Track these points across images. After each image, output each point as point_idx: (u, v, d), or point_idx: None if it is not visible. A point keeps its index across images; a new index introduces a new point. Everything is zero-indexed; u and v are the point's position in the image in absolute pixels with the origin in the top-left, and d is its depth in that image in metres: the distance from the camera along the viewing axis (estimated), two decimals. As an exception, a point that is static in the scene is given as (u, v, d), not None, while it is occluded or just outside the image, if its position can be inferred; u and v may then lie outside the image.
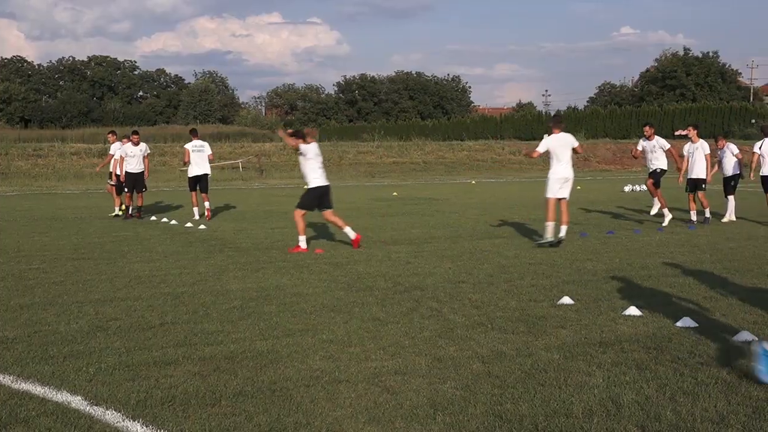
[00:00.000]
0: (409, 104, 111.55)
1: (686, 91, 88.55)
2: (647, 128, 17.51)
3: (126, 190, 19.74)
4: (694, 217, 17.39)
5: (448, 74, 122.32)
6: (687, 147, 17.65)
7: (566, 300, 8.99)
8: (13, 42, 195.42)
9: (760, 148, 17.82)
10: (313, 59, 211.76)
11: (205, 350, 7.01)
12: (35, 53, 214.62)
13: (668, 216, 17.01)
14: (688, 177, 17.57)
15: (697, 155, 17.41)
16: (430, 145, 58.36)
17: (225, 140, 58.22)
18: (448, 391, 5.85)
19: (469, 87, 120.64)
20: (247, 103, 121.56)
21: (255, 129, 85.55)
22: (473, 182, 39.79)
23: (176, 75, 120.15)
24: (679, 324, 7.80)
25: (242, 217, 20.11)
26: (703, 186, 17.43)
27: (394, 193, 28.99)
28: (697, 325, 7.75)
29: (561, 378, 6.13)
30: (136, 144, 19.92)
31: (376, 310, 8.63)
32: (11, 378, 6.17)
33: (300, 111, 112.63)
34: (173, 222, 18.53)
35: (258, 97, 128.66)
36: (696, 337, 7.32)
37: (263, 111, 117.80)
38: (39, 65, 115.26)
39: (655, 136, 17.31)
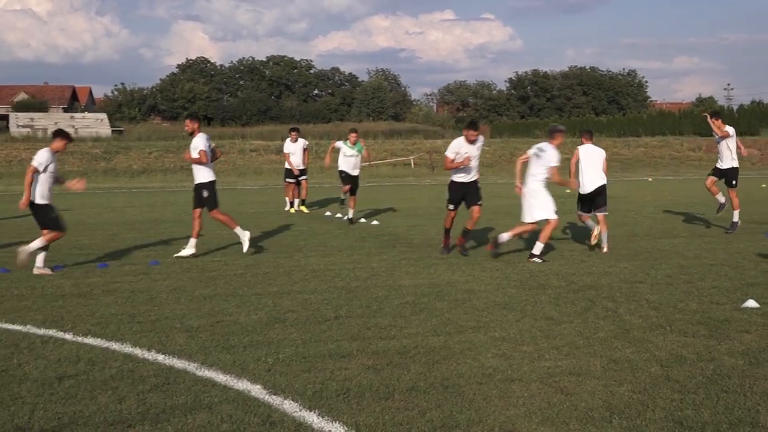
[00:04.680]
0: (583, 100, 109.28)
1: None
2: None
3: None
4: None
5: (624, 68, 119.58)
6: None
7: (751, 303, 8.57)
8: (198, 44, 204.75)
9: None
10: (486, 55, 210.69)
11: (378, 344, 7.10)
12: (218, 54, 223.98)
13: None
14: None
15: None
16: (604, 141, 56.83)
17: (397, 137, 58.84)
18: (624, 394, 5.69)
19: (646, 81, 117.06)
20: (419, 100, 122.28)
21: (427, 126, 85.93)
22: (650, 180, 38.61)
23: (350, 73, 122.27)
24: None
25: (414, 213, 20.27)
26: None
27: (567, 190, 28.43)
28: None
29: (746, 385, 5.85)
30: (295, 141, 21.24)
31: (549, 309, 8.51)
32: (196, 365, 6.45)
33: (471, 107, 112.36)
34: (347, 217, 18.87)
35: (430, 94, 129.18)
36: None
37: (435, 108, 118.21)
38: (221, 65, 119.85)
39: None
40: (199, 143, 12.42)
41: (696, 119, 69.08)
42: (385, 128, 72.44)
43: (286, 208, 21.28)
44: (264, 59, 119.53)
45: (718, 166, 15.78)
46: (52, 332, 7.59)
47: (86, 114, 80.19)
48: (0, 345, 7.12)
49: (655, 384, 5.90)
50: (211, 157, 12.74)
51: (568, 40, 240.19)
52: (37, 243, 11.02)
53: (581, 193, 13.41)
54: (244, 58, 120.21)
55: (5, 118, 70.57)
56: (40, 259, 11.03)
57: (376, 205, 22.45)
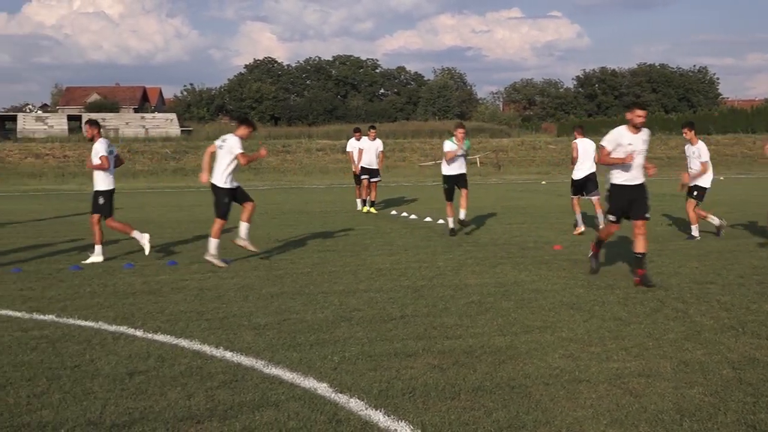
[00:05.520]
0: (652, 97, 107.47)
1: None
2: None
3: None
4: None
5: (694, 65, 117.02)
6: None
7: (828, 305, 8.35)
8: (265, 44, 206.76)
9: None
10: (553, 53, 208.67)
11: (444, 343, 7.08)
12: (285, 54, 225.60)
13: None
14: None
15: None
16: (674, 139, 55.97)
17: (462, 136, 58.62)
18: (695, 396, 5.58)
19: (717, 78, 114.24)
20: (485, 98, 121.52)
21: (493, 124, 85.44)
22: (722, 178, 37.81)
23: (416, 72, 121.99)
24: None
25: (480, 212, 20.17)
26: None
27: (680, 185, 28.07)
28: None
29: (823, 389, 5.69)
30: (373, 139, 20.66)
31: (618, 310, 8.39)
32: (263, 363, 6.51)
33: (538, 106, 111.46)
34: (412, 216, 18.89)
35: (496, 93, 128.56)
36: None
37: (501, 106, 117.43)
38: (288, 65, 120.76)
39: None
40: (99, 149, 12.20)
41: (771, 116, 67.48)
42: (450, 127, 72.21)
43: (358, 208, 20.90)
44: (330, 59, 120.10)
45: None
46: (123, 329, 7.73)
47: (156, 114, 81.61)
48: (73, 341, 7.27)
49: (727, 387, 5.78)
50: (115, 163, 12.57)
51: (637, 37, 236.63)
52: (211, 236, 11.65)
53: (574, 178, 15.66)
54: (310, 57, 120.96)
55: (78, 118, 72.13)
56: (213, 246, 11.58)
57: (441, 204, 22.39)
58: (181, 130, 69.89)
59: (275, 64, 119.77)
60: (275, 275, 10.76)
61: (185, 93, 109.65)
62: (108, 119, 71.46)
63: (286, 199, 25.61)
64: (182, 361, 6.59)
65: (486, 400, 5.54)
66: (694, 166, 14.54)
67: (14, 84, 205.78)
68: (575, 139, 15.94)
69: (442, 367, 6.35)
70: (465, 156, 15.67)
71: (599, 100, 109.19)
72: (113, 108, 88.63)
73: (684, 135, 14.80)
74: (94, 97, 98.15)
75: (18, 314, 8.39)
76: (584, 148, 15.62)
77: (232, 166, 11.64)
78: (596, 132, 66.27)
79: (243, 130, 11.96)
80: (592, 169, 15.48)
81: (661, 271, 10.69)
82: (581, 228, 15.20)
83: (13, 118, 72.57)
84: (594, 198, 15.44)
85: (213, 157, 11.77)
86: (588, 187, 15.53)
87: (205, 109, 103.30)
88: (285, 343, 7.17)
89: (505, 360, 6.54)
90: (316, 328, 7.69)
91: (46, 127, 67.59)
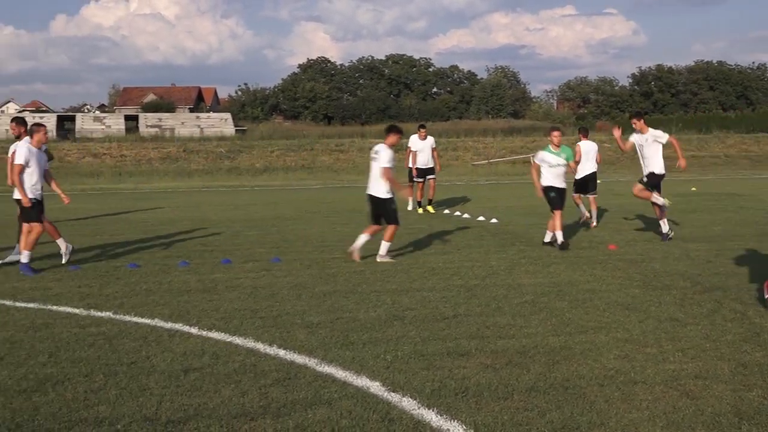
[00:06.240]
0: (710, 95, 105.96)
1: None
2: None
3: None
4: None
5: (753, 62, 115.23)
6: None
7: None
8: (319, 44, 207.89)
9: None
10: (608, 51, 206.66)
11: (497, 343, 7.05)
12: (338, 54, 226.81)
13: None
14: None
15: None
16: (732, 137, 55.10)
17: (516, 134, 58.32)
18: (754, 399, 5.48)
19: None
20: (538, 97, 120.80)
21: (546, 123, 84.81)
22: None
23: (469, 71, 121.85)
24: None
25: (533, 211, 19.99)
26: None
27: (693, 188, 27.66)
28: None
29: None
30: (424, 138, 20.09)
31: (674, 310, 8.27)
32: (316, 361, 6.54)
33: (593, 104, 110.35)
34: (465, 215, 18.82)
35: (550, 91, 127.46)
36: None
37: (555, 105, 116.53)
38: (341, 65, 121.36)
39: None
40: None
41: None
42: (504, 126, 71.92)
43: (409, 208, 20.12)
44: (383, 58, 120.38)
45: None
46: (178, 326, 7.82)
47: (211, 114, 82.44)
48: (129, 338, 7.38)
49: (787, 390, 5.67)
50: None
51: (694, 34, 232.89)
52: (364, 238, 11.98)
53: (576, 178, 16.16)
54: (363, 57, 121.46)
55: (135, 118, 73.20)
56: (383, 248, 11.95)
57: (494, 203, 22.32)
58: (236, 130, 70.48)
59: (328, 64, 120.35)
60: (328, 274, 10.80)
61: (240, 93, 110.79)
62: (164, 119, 72.47)
63: (339, 198, 25.68)
64: (236, 358, 6.65)
65: (539, 401, 5.50)
66: (647, 153, 13.87)
67: (73, 85, 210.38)
68: (579, 141, 16.52)
69: (495, 366, 6.32)
70: (564, 166, 13.41)
71: (655, 98, 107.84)
72: (169, 108, 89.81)
73: (633, 125, 14.15)
74: (150, 97, 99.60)
75: (76, 311, 8.54)
76: (587, 149, 16.29)
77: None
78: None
79: (392, 138, 12.24)
80: (593, 169, 16.35)
81: (719, 272, 10.52)
82: (587, 214, 16.05)
83: (72, 119, 73.84)
84: (591, 196, 16.25)
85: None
86: (589, 187, 16.32)
87: (259, 109, 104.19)
88: (338, 341, 7.19)
89: (559, 360, 6.49)
90: (369, 327, 7.70)
91: (103, 127, 68.71)
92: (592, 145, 16.46)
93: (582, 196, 16.31)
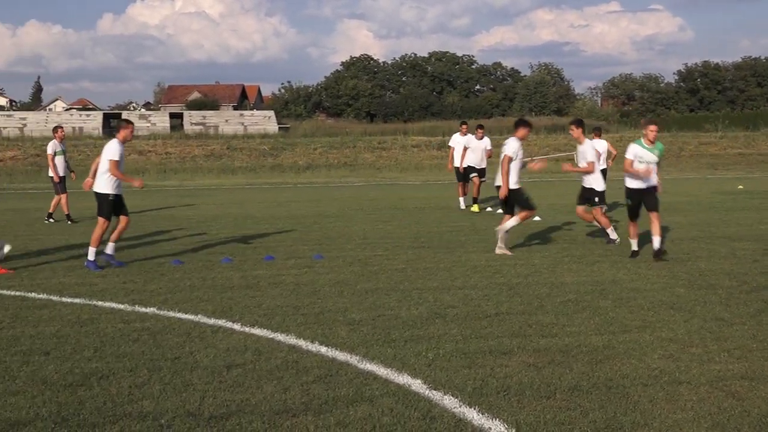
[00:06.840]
0: (757, 92, 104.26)
1: None
2: None
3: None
4: None
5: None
6: None
7: None
8: (362, 41, 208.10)
9: None
10: (654, 47, 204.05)
11: (539, 342, 7.01)
12: (381, 51, 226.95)
13: None
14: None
15: None
16: (780, 135, 54.26)
17: (560, 132, 57.92)
18: (802, 401, 5.39)
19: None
20: (582, 94, 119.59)
21: (591, 120, 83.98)
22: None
23: (512, 68, 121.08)
24: None
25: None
26: None
27: (740, 186, 27.26)
28: None
29: None
30: (480, 138, 19.94)
31: (720, 310, 8.16)
32: (357, 358, 6.55)
33: (638, 101, 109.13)
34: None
35: (594, 88, 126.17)
36: None
37: (599, 102, 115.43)
38: (384, 62, 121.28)
39: None
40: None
41: None
42: (547, 123, 71.34)
43: (462, 207, 20.09)
44: (426, 55, 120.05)
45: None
46: (221, 322, 7.88)
47: (255, 112, 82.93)
48: (173, 333, 7.45)
49: (836, 392, 5.57)
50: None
51: (742, 30, 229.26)
52: (512, 222, 12.35)
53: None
54: (406, 54, 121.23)
55: (180, 116, 73.82)
56: (503, 239, 12.19)
57: (537, 200, 22.12)
58: (279, 127, 70.79)
59: (371, 61, 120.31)
60: (370, 271, 10.81)
61: (283, 90, 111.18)
62: (208, 117, 72.93)
63: (381, 196, 25.70)
64: (278, 355, 6.68)
65: (582, 400, 5.46)
66: (582, 165, 13.48)
67: (119, 83, 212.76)
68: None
69: (537, 365, 6.29)
70: (657, 163, 12.09)
71: (701, 95, 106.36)
72: (213, 106, 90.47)
73: (570, 133, 13.70)
74: (194, 95, 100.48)
75: (121, 306, 8.64)
76: (599, 149, 16.55)
77: (517, 166, 12.51)
78: (698, 128, 64.77)
79: (522, 132, 12.59)
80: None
81: (766, 271, 10.36)
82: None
83: (118, 116, 74.58)
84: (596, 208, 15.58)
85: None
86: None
87: (302, 107, 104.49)
88: (379, 339, 7.19)
89: (602, 360, 6.44)
90: (411, 325, 7.70)
91: (149, 124, 69.29)
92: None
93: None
